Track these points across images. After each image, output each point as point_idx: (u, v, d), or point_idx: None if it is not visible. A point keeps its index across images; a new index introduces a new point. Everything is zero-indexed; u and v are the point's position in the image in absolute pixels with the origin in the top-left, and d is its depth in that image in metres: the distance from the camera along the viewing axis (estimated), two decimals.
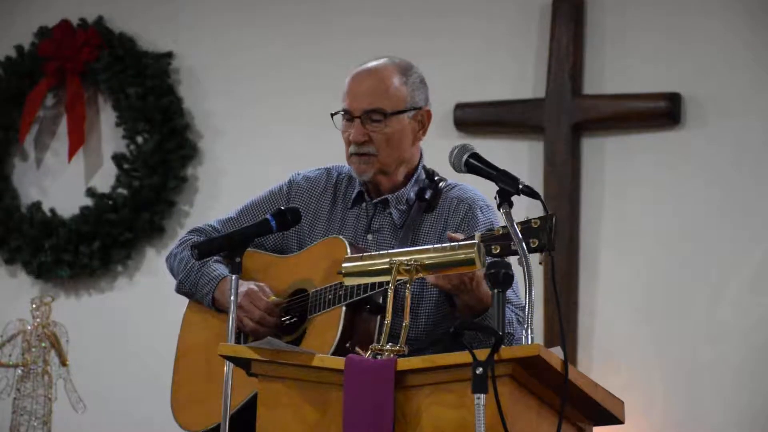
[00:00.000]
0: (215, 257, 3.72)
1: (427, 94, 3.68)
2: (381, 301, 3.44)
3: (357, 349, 3.31)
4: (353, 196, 3.69)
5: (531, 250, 3.11)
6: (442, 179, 3.67)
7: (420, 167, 3.68)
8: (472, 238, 3.21)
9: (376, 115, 3.59)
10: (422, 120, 3.65)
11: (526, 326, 2.99)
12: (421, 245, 3.39)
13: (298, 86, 6.16)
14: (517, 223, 3.13)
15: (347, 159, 3.66)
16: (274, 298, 3.59)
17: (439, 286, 3.34)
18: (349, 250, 3.47)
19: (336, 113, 3.66)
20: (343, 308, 3.40)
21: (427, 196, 3.58)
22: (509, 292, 3.44)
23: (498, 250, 3.17)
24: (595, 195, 5.64)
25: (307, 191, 3.75)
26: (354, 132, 3.61)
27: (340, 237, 3.55)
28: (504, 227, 3.16)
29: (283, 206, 3.69)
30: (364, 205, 3.67)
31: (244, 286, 3.60)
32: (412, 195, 3.63)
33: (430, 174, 3.67)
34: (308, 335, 3.50)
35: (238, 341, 3.61)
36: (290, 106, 6.16)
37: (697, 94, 5.53)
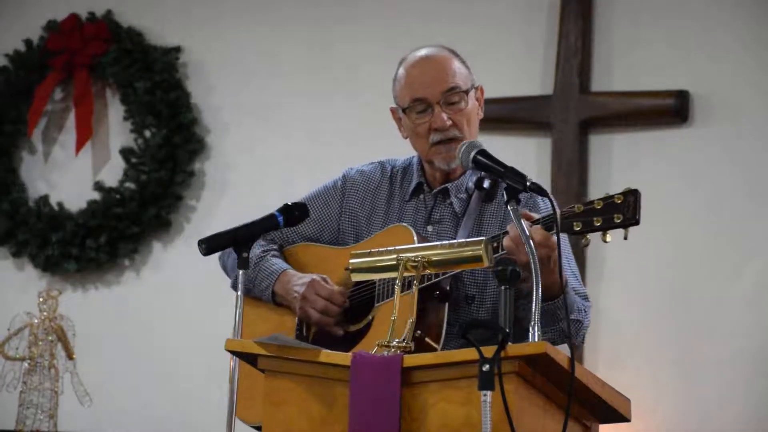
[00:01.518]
0: (272, 251, 3.71)
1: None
2: (449, 288, 3.39)
3: (426, 339, 3.29)
4: (411, 188, 3.64)
5: (615, 226, 3.08)
6: None
7: None
8: (553, 216, 3.16)
9: (455, 96, 3.54)
10: (479, 98, 3.63)
11: (533, 323, 2.98)
12: (483, 235, 3.38)
13: (305, 82, 6.16)
14: (599, 200, 3.12)
15: (425, 151, 3.58)
16: (339, 288, 3.56)
17: (514, 256, 3.22)
18: (416, 238, 3.42)
19: (406, 108, 3.58)
20: (415, 295, 3.30)
21: (485, 185, 3.52)
22: (574, 281, 3.44)
23: (579, 227, 3.14)
24: (603, 191, 5.59)
25: (362, 185, 3.72)
26: (437, 119, 3.53)
27: (406, 225, 3.50)
28: (585, 203, 3.13)
29: (337, 202, 3.68)
30: (422, 196, 3.62)
31: (306, 277, 3.57)
32: (471, 184, 3.58)
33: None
34: (376, 324, 3.47)
35: (300, 333, 3.59)
36: (298, 102, 6.17)
37: (705, 91, 5.53)
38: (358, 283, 3.54)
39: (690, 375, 5.44)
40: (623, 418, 3.15)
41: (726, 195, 5.46)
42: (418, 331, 3.32)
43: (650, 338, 5.50)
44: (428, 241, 3.42)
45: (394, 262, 3.15)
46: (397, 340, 3.07)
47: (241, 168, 6.25)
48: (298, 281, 3.58)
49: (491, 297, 3.50)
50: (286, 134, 6.17)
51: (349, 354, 3.03)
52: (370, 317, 3.51)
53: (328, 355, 3.06)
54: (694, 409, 5.42)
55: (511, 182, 3.16)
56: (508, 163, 3.24)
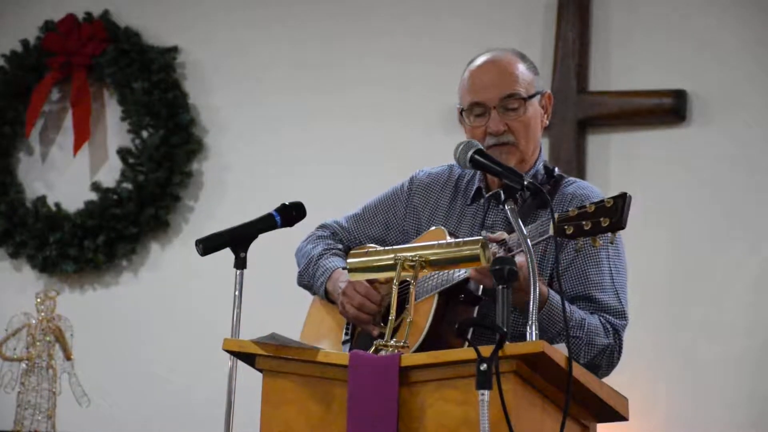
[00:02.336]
0: (334, 249, 3.71)
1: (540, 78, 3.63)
2: (480, 292, 3.36)
3: (449, 339, 3.26)
4: (472, 192, 3.61)
5: (602, 230, 3.08)
6: (562, 176, 3.60)
7: (539, 161, 3.59)
8: (545, 224, 3.16)
9: (513, 102, 3.50)
10: (545, 105, 3.59)
11: (530, 322, 2.98)
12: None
13: (304, 82, 6.16)
14: (592, 203, 3.10)
15: None
16: (378, 284, 3.53)
17: (481, 283, 3.26)
18: (448, 238, 3.39)
19: (465, 110, 3.55)
20: (436, 297, 3.29)
21: (525, 195, 3.47)
22: (610, 299, 3.38)
23: (571, 231, 3.13)
24: (601, 191, 5.63)
25: (427, 186, 3.69)
26: (492, 123, 3.49)
27: (442, 227, 3.48)
28: (579, 207, 3.13)
29: (404, 204, 3.67)
30: (482, 201, 3.60)
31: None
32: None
33: (550, 170, 3.58)
34: (404, 324, 3.47)
35: (347, 332, 3.57)
36: (296, 101, 6.16)
37: (702, 91, 5.53)
38: (401, 283, 3.52)
39: (688, 374, 5.44)
40: (621, 418, 3.15)
41: (724, 194, 5.46)
42: (441, 331, 3.29)
43: (648, 337, 5.50)
44: None
45: (392, 262, 3.14)
46: (395, 339, 3.07)
47: (239, 168, 6.25)
48: (345, 278, 3.56)
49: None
50: (284, 134, 6.17)
51: (347, 354, 3.03)
52: (402, 317, 3.50)
53: (326, 355, 3.06)
54: (693, 408, 5.42)
55: (508, 182, 3.16)
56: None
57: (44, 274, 6.44)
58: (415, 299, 3.39)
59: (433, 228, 3.53)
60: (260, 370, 3.16)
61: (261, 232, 3.57)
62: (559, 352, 2.92)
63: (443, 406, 2.92)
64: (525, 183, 3.14)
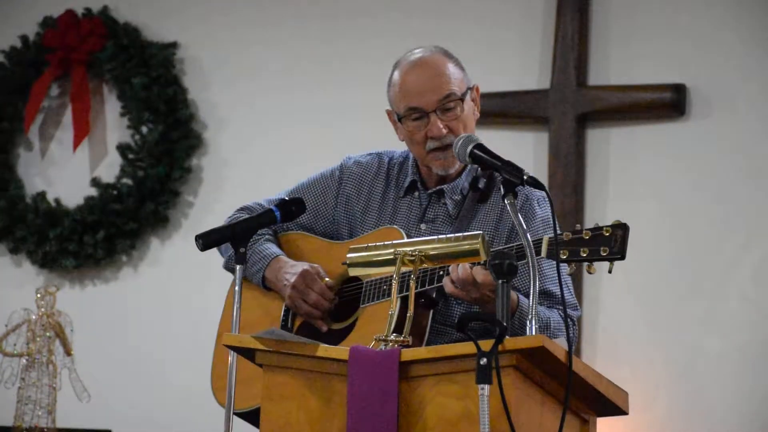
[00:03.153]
0: (267, 235, 3.71)
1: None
2: (435, 295, 3.40)
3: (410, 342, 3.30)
4: (406, 184, 3.65)
5: (600, 258, 3.09)
6: None
7: None
8: (541, 241, 3.18)
9: (450, 103, 3.53)
10: (475, 98, 3.62)
11: (530, 317, 2.98)
12: None
13: (303, 77, 6.16)
14: (587, 230, 3.11)
15: (422, 157, 3.58)
16: (328, 280, 3.56)
17: (459, 297, 3.32)
18: (405, 239, 3.42)
19: (402, 116, 3.57)
20: (399, 300, 3.33)
21: (481, 186, 3.53)
22: (564, 291, 3.38)
23: (566, 255, 3.13)
24: (600, 186, 5.64)
25: (359, 176, 3.72)
26: (433, 127, 3.52)
27: (396, 227, 3.51)
28: (573, 232, 3.12)
29: (334, 191, 3.68)
30: (416, 194, 3.63)
31: (299, 266, 3.58)
32: (466, 185, 3.59)
33: None
34: (360, 324, 3.48)
35: (285, 323, 3.60)
36: (295, 97, 6.17)
37: (702, 85, 5.53)
38: (347, 280, 3.55)
39: (688, 368, 5.44)
40: (621, 411, 3.16)
41: (724, 188, 5.46)
42: (406, 338, 3.33)
43: (648, 331, 5.51)
44: None
45: (392, 257, 3.15)
46: (394, 334, 3.07)
47: (239, 164, 6.25)
48: (291, 269, 3.58)
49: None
50: (284, 130, 6.17)
51: (347, 348, 3.03)
52: (355, 317, 3.51)
53: (326, 350, 3.06)
54: (692, 402, 5.42)
55: (508, 176, 3.16)
56: (506, 157, 3.24)
57: (44, 269, 6.44)
58: (372, 300, 3.41)
59: (385, 227, 3.56)
60: (260, 365, 3.16)
61: (261, 227, 3.57)
62: (559, 346, 2.93)
63: (443, 401, 2.93)
64: (525, 177, 3.14)
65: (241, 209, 3.81)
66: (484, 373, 2.76)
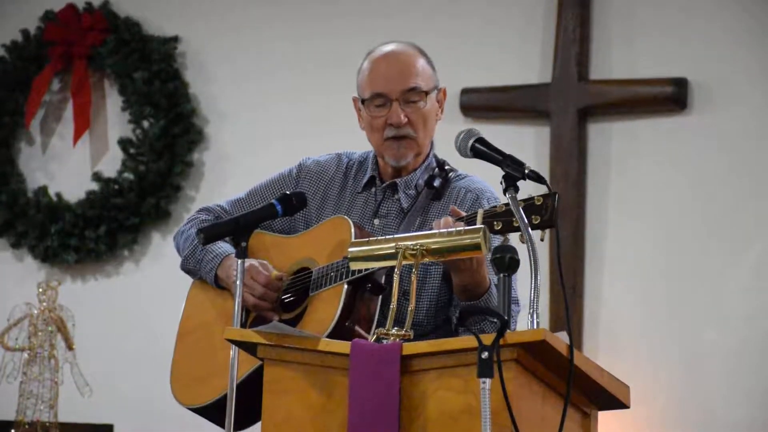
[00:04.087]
0: None
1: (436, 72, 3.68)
2: (383, 281, 3.43)
3: (356, 328, 3.33)
4: (364, 180, 3.68)
5: (533, 227, 3.11)
6: (452, 169, 3.66)
7: (431, 154, 3.66)
8: (475, 214, 3.21)
9: (415, 95, 3.57)
10: (441, 99, 3.66)
11: (531, 311, 2.99)
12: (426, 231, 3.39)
13: (304, 72, 6.16)
14: (521, 200, 3.13)
15: (378, 145, 3.63)
16: (276, 273, 3.59)
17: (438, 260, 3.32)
18: (353, 230, 3.46)
19: (366, 100, 3.63)
20: (345, 286, 3.38)
21: (435, 184, 3.57)
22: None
23: (500, 227, 3.17)
24: (602, 180, 5.64)
25: (316, 174, 3.75)
26: (394, 114, 3.57)
27: (345, 217, 3.54)
28: (506, 204, 3.16)
29: (291, 189, 3.69)
30: (373, 189, 3.67)
31: (246, 263, 3.60)
32: (421, 182, 3.62)
33: (441, 163, 3.65)
34: (308, 313, 3.51)
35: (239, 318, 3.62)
36: (297, 92, 6.16)
37: (703, 79, 5.52)
38: (297, 271, 3.57)
39: (689, 362, 5.44)
40: (623, 405, 3.16)
41: (724, 182, 5.46)
42: (348, 322, 3.35)
43: (649, 326, 5.51)
44: (372, 235, 3.44)
45: (393, 251, 3.15)
46: (396, 328, 3.07)
47: (240, 158, 6.25)
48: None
49: (428, 294, 3.53)
50: (285, 124, 6.17)
51: (349, 343, 3.03)
52: (304, 306, 3.53)
53: (327, 344, 3.06)
54: (694, 396, 5.42)
55: (509, 170, 3.17)
56: (507, 151, 3.24)
57: (45, 264, 6.44)
58: (320, 288, 3.43)
59: (335, 216, 3.58)
60: (261, 359, 3.16)
61: (262, 221, 3.58)
62: (561, 340, 2.93)
63: (444, 395, 2.93)
64: (526, 171, 3.14)
65: (202, 210, 3.84)
66: (485, 367, 2.76)
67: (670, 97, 5.52)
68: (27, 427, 5.33)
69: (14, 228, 6.46)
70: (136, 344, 6.28)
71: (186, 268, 3.80)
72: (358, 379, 2.97)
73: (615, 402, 3.14)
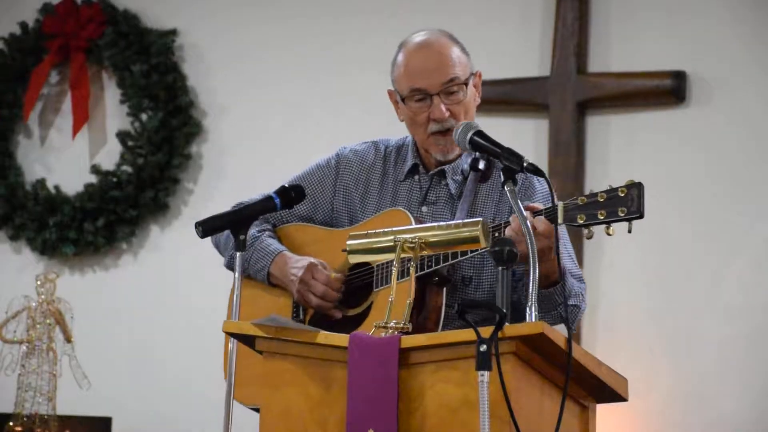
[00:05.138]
0: (267, 231, 3.71)
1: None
2: (447, 273, 3.41)
3: (427, 322, 3.32)
4: (407, 168, 3.65)
5: (619, 219, 3.09)
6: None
7: None
8: (555, 207, 3.18)
9: (454, 86, 3.54)
10: (477, 83, 3.63)
11: (530, 303, 2.99)
12: (478, 216, 3.39)
13: (302, 65, 6.15)
14: (602, 192, 3.12)
15: (422, 140, 3.59)
16: (334, 274, 3.57)
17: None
18: (413, 221, 3.43)
19: (405, 96, 3.58)
20: (413, 280, 3.32)
21: (481, 167, 3.52)
22: (570, 263, 3.45)
23: (583, 220, 3.14)
24: (600, 173, 5.64)
25: (356, 164, 3.72)
26: (436, 110, 3.53)
27: (401, 209, 3.52)
28: (588, 196, 3.13)
29: (331, 180, 3.68)
30: (417, 177, 3.63)
31: (304, 260, 3.58)
32: (466, 166, 3.58)
33: None
34: (375, 309, 3.48)
35: (296, 315, 3.60)
36: (295, 84, 6.16)
37: (702, 72, 5.52)
38: (355, 266, 3.55)
39: (687, 355, 5.45)
40: (621, 398, 3.16)
41: (723, 175, 5.46)
42: (419, 317, 3.34)
43: (647, 319, 5.51)
44: (423, 223, 3.43)
45: (392, 244, 3.15)
46: (395, 321, 3.07)
47: (238, 151, 6.25)
48: (296, 264, 3.59)
49: (488, 278, 3.52)
50: (284, 117, 6.17)
51: (347, 335, 3.03)
52: (369, 302, 3.52)
53: (326, 337, 3.06)
54: (691, 389, 5.43)
55: (508, 163, 3.16)
56: (505, 144, 3.24)
57: (44, 256, 6.44)
58: (385, 283, 3.41)
59: (390, 209, 3.56)
60: (260, 352, 3.16)
61: (260, 214, 3.57)
62: (559, 333, 2.93)
63: (443, 387, 2.93)
64: (525, 164, 3.14)
65: (238, 205, 3.80)
66: (483, 360, 2.76)
67: (669, 90, 5.51)
68: (25, 419, 5.34)
69: (13, 220, 6.46)
70: (134, 337, 6.28)
71: (231, 267, 3.72)
72: (357, 371, 2.98)
73: (613, 395, 3.14)
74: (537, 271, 3.00)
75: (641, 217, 3.10)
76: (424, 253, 3.17)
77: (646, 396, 5.40)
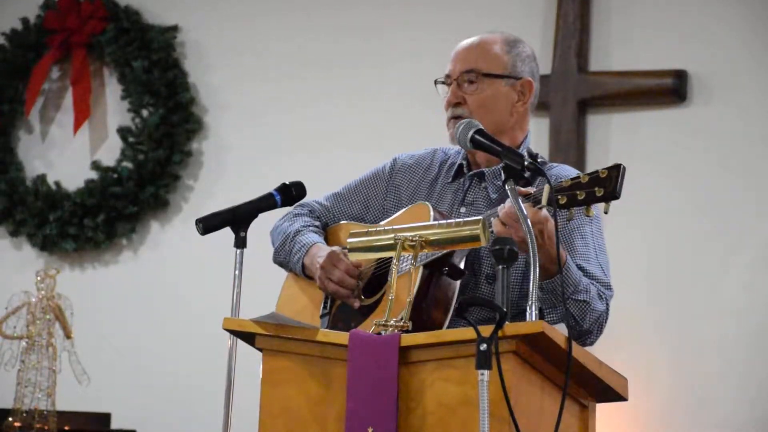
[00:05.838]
0: (311, 227, 3.72)
1: (533, 69, 3.64)
2: (462, 265, 3.39)
3: (433, 311, 3.29)
4: (454, 169, 3.65)
5: (596, 200, 3.09)
6: (545, 161, 3.62)
7: (524, 146, 3.63)
8: (542, 190, 3.18)
9: (471, 76, 3.55)
10: (523, 90, 3.61)
11: (530, 302, 2.99)
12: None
13: (303, 61, 6.15)
14: (585, 174, 3.11)
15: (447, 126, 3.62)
16: (355, 261, 3.56)
17: (508, 236, 3.21)
18: (432, 214, 3.43)
19: (439, 81, 3.62)
20: (420, 269, 3.32)
21: (526, 175, 3.53)
22: (596, 270, 3.41)
23: (564, 201, 3.14)
24: None
25: (410, 167, 3.72)
26: (449, 94, 3.57)
27: (425, 202, 3.51)
28: (573, 179, 3.14)
29: (384, 185, 3.69)
30: (461, 179, 3.63)
31: (328, 249, 3.58)
32: None
33: (533, 155, 3.61)
34: (386, 299, 3.49)
35: (325, 307, 3.60)
36: (296, 81, 6.16)
37: (703, 71, 5.52)
38: (379, 258, 3.54)
39: (687, 355, 5.45)
40: (620, 398, 3.16)
41: (724, 174, 5.46)
42: (424, 305, 3.32)
43: (647, 318, 5.51)
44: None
45: (392, 242, 3.15)
46: (395, 319, 3.07)
47: (239, 147, 6.24)
48: (321, 253, 3.58)
49: (515, 277, 3.47)
50: (284, 114, 6.17)
51: (347, 333, 3.03)
52: (383, 291, 3.52)
53: (325, 335, 3.06)
54: (691, 389, 5.43)
55: (508, 161, 3.16)
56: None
57: (44, 252, 6.44)
58: (399, 272, 3.41)
59: (417, 203, 3.56)
60: (260, 349, 3.16)
61: (261, 212, 3.58)
62: (559, 332, 2.93)
63: (443, 386, 2.93)
64: (525, 163, 3.13)
65: (300, 205, 3.78)
66: (483, 359, 2.76)
67: (670, 89, 5.51)
68: (24, 415, 5.33)
69: (13, 216, 6.46)
70: (134, 332, 6.28)
71: (278, 261, 3.75)
72: (357, 369, 2.98)
73: (613, 394, 3.14)
74: (537, 268, 2.99)
75: (616, 197, 3.09)
76: (424, 251, 3.17)
77: (647, 396, 5.40)
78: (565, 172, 3.58)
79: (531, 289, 2.99)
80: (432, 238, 3.13)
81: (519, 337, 2.88)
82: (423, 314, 3.29)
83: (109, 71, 6.48)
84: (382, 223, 3.61)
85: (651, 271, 5.53)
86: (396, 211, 3.64)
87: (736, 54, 5.48)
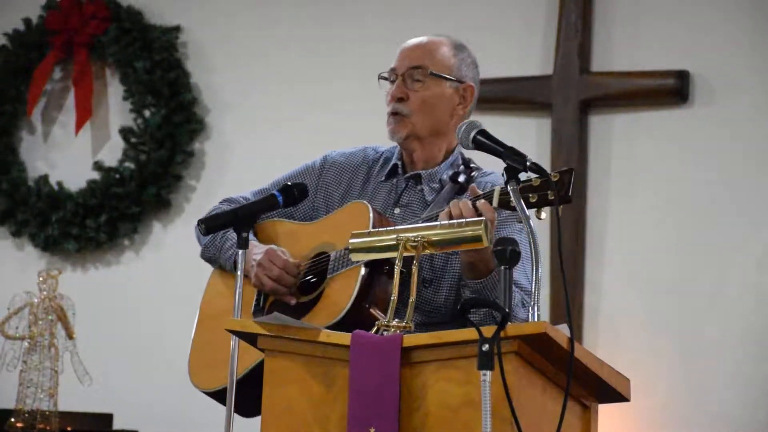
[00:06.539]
0: None
1: (475, 76, 3.67)
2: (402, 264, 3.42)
3: (373, 310, 3.33)
4: (388, 169, 3.68)
5: (548, 203, 3.11)
6: (478, 167, 3.66)
7: (457, 150, 3.66)
8: (492, 192, 3.19)
9: (418, 74, 3.58)
10: (464, 95, 3.64)
11: (532, 303, 2.99)
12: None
13: (305, 62, 6.15)
14: (537, 177, 3.13)
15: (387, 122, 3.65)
16: (294, 260, 3.59)
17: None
18: (371, 215, 3.46)
19: (382, 75, 3.65)
20: (362, 268, 3.38)
21: (460, 180, 3.55)
22: (519, 275, 3.45)
23: (535, 199, 3.16)
24: (603, 172, 5.64)
25: (341, 165, 3.75)
26: (394, 88, 3.60)
27: (364, 202, 3.54)
28: (524, 181, 3.15)
29: (314, 181, 3.70)
30: (395, 179, 3.67)
31: (263, 247, 3.61)
32: (445, 176, 3.62)
33: (467, 161, 3.65)
34: (325, 295, 3.51)
35: (257, 303, 3.62)
36: (298, 81, 6.16)
37: (705, 71, 5.52)
38: (315, 256, 3.57)
39: (689, 355, 5.45)
40: (623, 398, 3.16)
41: (726, 175, 5.46)
42: (365, 303, 3.35)
43: (650, 318, 5.51)
44: (390, 221, 3.47)
45: (394, 242, 3.15)
46: (396, 320, 3.07)
47: (241, 148, 6.25)
48: (257, 250, 3.61)
49: (448, 283, 3.53)
50: (286, 114, 6.17)
51: (349, 334, 3.03)
52: (321, 289, 3.54)
53: (328, 335, 3.06)
54: (694, 389, 5.43)
55: (511, 162, 3.16)
56: (508, 143, 3.24)
57: (46, 252, 6.45)
58: (337, 271, 3.43)
59: (354, 202, 3.58)
60: (262, 350, 3.16)
61: (263, 212, 3.58)
62: (561, 333, 2.93)
63: (445, 386, 2.93)
64: (528, 164, 3.14)
65: (225, 201, 3.83)
66: (485, 359, 2.76)
67: (672, 90, 5.51)
68: (27, 415, 5.34)
69: (15, 217, 6.46)
70: (136, 333, 6.28)
71: (206, 257, 3.81)
72: (359, 370, 2.98)
73: (615, 395, 3.14)
74: (539, 270, 3.00)
75: (569, 201, 3.11)
76: (427, 251, 3.17)
77: (649, 396, 5.40)
78: (500, 179, 3.59)
79: (533, 289, 2.99)
80: (434, 239, 3.14)
81: (521, 337, 2.88)
82: (363, 311, 3.34)
83: (111, 71, 6.49)
84: (317, 221, 3.64)
85: (653, 270, 5.53)
86: (326, 209, 3.68)
87: (739, 54, 5.48)
